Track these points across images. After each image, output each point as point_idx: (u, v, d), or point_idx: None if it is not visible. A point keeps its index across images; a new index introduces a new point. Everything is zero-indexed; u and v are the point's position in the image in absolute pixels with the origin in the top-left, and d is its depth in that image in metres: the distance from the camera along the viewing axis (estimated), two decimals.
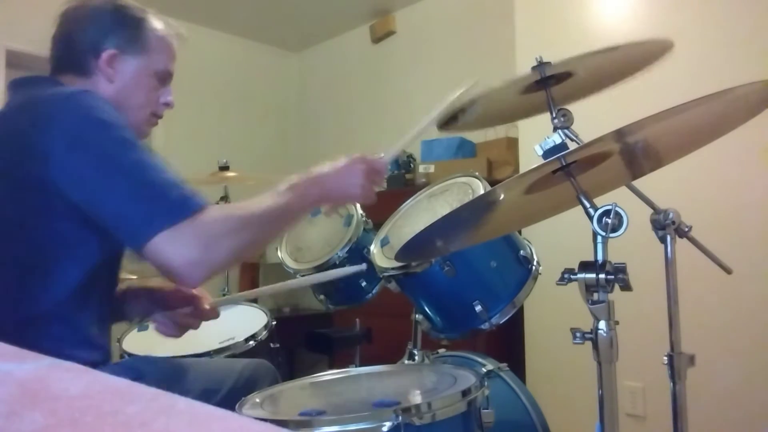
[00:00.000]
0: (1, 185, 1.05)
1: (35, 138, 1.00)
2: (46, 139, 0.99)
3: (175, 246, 0.95)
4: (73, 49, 1.17)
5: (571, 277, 0.93)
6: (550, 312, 2.32)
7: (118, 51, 1.17)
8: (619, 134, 0.80)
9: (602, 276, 0.91)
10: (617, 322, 0.93)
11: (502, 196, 0.95)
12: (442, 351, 1.58)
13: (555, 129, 1.13)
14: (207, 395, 1.19)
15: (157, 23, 1.23)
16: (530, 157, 2.49)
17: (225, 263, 1.02)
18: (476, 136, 3.11)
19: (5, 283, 1.04)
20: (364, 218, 1.72)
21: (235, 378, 1.26)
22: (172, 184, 1.00)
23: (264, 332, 1.68)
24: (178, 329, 1.28)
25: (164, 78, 1.24)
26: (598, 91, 1.28)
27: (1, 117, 1.11)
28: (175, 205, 0.97)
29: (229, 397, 1.17)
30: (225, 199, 2.52)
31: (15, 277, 1.03)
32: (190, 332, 1.31)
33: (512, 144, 2.84)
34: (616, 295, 0.93)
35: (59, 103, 1.04)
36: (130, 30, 1.18)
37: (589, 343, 0.94)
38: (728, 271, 1.13)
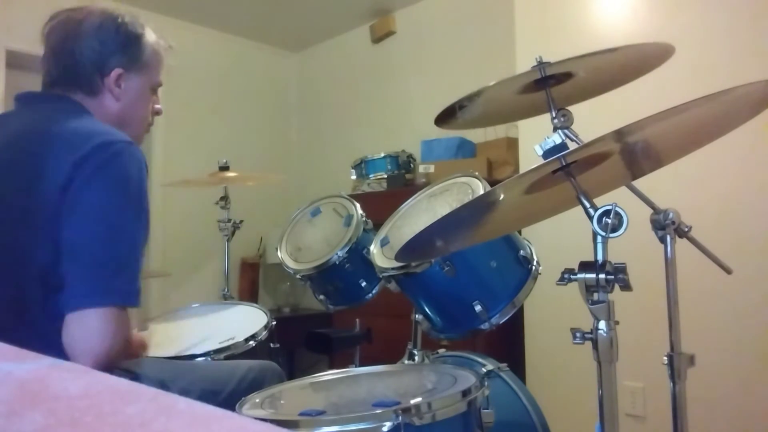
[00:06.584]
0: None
1: (62, 165, 0.98)
2: (71, 171, 0.98)
3: (98, 326, 0.94)
4: (79, 67, 1.15)
5: (571, 277, 0.93)
6: (550, 312, 2.32)
7: (123, 70, 1.18)
8: (619, 134, 0.80)
9: (602, 276, 0.91)
10: (617, 322, 0.93)
11: (502, 196, 0.95)
12: (442, 351, 1.58)
13: (555, 129, 1.13)
14: (207, 397, 1.19)
15: (152, 37, 1.24)
16: (530, 157, 2.49)
17: (111, 360, 0.98)
18: (476, 136, 3.11)
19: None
20: (363, 218, 1.72)
21: (238, 379, 1.26)
22: (136, 271, 1.01)
23: (264, 332, 1.68)
24: None
25: (156, 89, 1.29)
26: (598, 93, 1.28)
27: (17, 134, 1.08)
28: (124, 292, 0.98)
29: (231, 399, 1.17)
30: (225, 199, 2.52)
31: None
32: (190, 333, 1.31)
33: (512, 144, 2.84)
34: (616, 295, 0.93)
35: (101, 144, 1.02)
36: (132, 48, 1.20)
37: (589, 343, 0.94)
38: (728, 271, 1.13)
